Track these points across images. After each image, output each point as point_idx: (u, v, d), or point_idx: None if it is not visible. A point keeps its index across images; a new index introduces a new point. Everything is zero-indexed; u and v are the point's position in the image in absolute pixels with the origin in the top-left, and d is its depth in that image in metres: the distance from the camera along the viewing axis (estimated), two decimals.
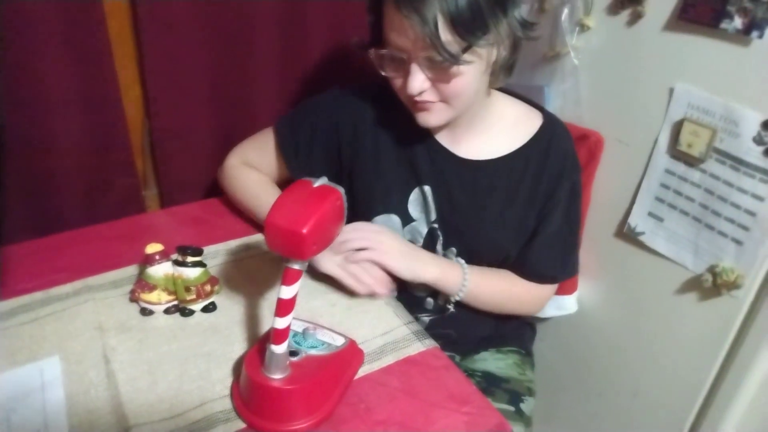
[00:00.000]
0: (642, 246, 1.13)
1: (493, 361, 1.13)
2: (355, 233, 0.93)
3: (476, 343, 1.13)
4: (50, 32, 0.97)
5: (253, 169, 1.09)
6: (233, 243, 1.05)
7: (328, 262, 0.92)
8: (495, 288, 1.04)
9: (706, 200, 1.01)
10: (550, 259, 1.03)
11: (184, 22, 1.08)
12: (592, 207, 1.21)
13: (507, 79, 0.92)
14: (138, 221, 1.12)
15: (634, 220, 1.13)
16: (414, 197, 1.00)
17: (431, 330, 1.01)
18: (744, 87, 0.93)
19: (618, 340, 1.24)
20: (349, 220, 0.99)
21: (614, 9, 1.09)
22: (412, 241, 1.02)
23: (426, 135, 0.98)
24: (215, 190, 1.26)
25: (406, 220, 1.01)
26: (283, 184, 1.09)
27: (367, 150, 1.00)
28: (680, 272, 1.07)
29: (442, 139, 0.99)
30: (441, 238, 1.01)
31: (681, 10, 0.98)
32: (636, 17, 1.06)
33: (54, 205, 1.10)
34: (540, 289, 1.06)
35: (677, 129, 1.02)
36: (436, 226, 1.00)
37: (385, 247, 0.92)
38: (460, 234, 1.00)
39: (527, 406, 1.08)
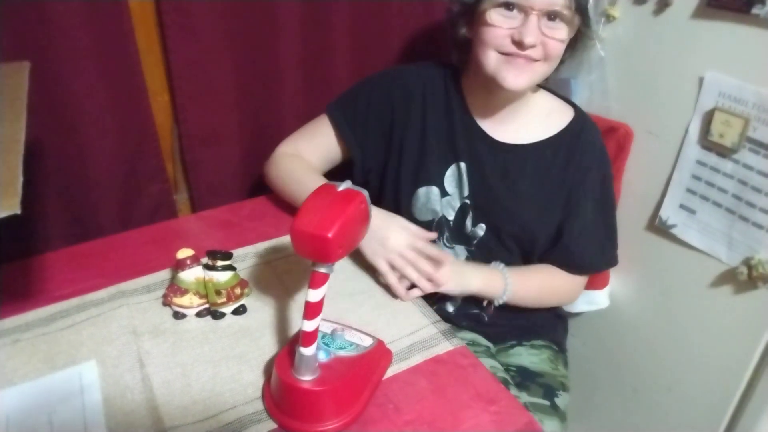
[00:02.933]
0: (674, 239, 1.11)
1: (527, 356, 1.13)
2: (411, 264, 0.94)
3: (507, 328, 1.13)
4: (80, 45, 1.00)
5: (299, 157, 1.12)
6: (262, 246, 1.06)
7: (375, 255, 0.96)
8: (535, 285, 1.08)
9: (740, 191, 0.98)
10: (588, 247, 1.06)
11: (209, 30, 1.09)
12: (622, 200, 1.19)
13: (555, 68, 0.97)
14: (169, 226, 1.15)
15: (665, 213, 1.11)
16: (450, 172, 1.05)
17: (462, 310, 1.07)
18: None
19: (651, 335, 1.22)
20: (395, 193, 1.06)
21: None
22: (445, 215, 1.06)
23: (467, 117, 1.04)
24: (245, 192, 1.28)
25: (443, 193, 1.06)
26: (330, 175, 1.11)
27: (416, 127, 1.06)
28: (714, 265, 1.05)
29: (481, 121, 1.04)
30: (471, 213, 1.05)
31: None
32: (663, 6, 1.03)
33: (89, 213, 1.13)
34: (574, 280, 1.09)
35: (708, 119, 1.00)
36: (468, 201, 1.05)
37: (440, 278, 0.94)
38: (490, 211, 1.05)
39: (562, 401, 1.08)
